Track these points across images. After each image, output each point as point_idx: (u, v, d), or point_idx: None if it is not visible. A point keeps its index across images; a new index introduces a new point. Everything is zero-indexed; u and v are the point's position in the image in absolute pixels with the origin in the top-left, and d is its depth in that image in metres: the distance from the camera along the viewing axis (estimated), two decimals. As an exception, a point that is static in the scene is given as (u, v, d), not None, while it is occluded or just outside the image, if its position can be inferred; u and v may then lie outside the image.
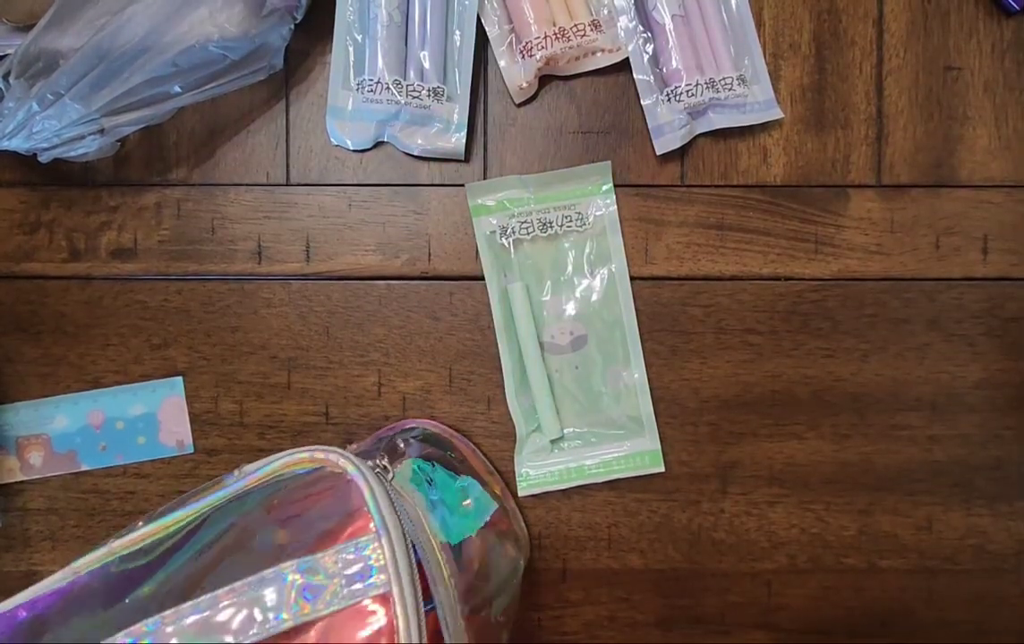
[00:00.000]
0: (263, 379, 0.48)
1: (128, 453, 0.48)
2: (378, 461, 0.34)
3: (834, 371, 0.48)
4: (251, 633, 0.27)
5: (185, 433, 0.48)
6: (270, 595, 0.28)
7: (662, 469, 0.48)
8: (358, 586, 0.28)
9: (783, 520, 0.49)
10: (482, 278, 0.48)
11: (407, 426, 0.46)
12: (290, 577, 0.28)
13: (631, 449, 0.48)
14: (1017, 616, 0.49)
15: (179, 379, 0.48)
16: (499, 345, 0.47)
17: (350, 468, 0.31)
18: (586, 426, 0.48)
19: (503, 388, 0.48)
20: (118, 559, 0.30)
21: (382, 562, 0.28)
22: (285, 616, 0.27)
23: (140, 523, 0.31)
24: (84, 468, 0.48)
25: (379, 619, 0.28)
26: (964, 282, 0.48)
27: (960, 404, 0.48)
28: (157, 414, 0.48)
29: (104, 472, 0.48)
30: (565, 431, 0.48)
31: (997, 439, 0.49)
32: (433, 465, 0.40)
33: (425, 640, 0.28)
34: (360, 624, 0.28)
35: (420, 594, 0.29)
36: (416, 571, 0.29)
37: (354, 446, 0.44)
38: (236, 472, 0.33)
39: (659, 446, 0.48)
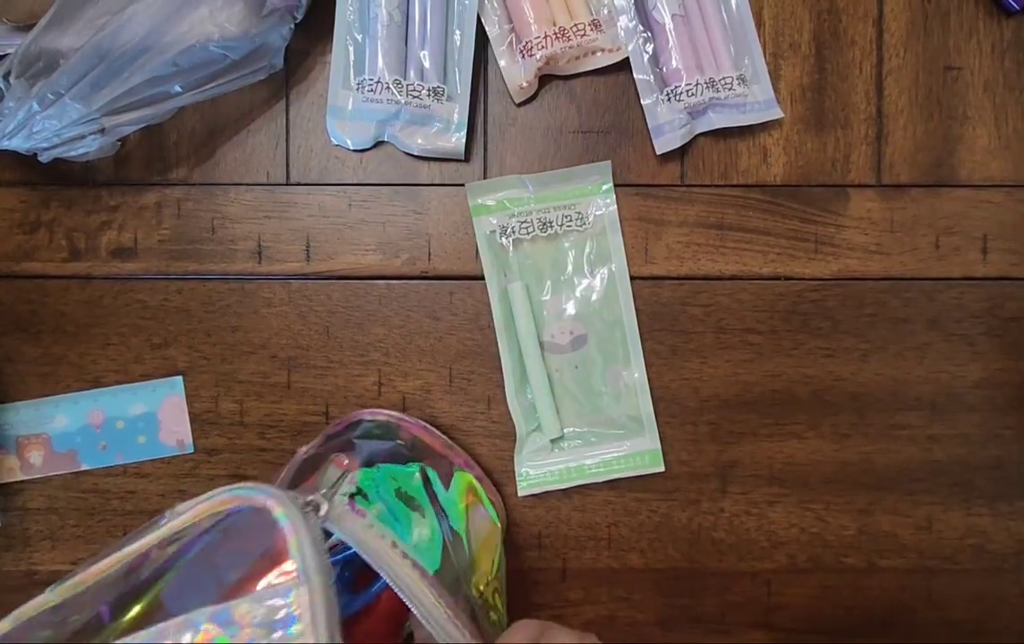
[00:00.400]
0: (263, 379, 0.48)
1: (128, 453, 0.48)
2: (309, 499, 0.32)
3: (834, 371, 0.48)
4: None
5: (185, 433, 0.48)
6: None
7: (662, 469, 0.48)
8: (278, 635, 0.26)
9: (783, 520, 0.49)
10: (482, 278, 0.48)
11: (354, 420, 0.46)
12: (203, 626, 0.26)
13: (631, 449, 0.48)
14: (1017, 616, 0.49)
15: (179, 379, 0.48)
16: (499, 345, 0.47)
17: (277, 510, 0.29)
18: (586, 426, 0.48)
19: (503, 388, 0.48)
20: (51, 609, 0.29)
21: (302, 610, 0.26)
22: None
23: (79, 568, 0.30)
24: (84, 468, 0.48)
25: None
26: (964, 282, 0.48)
27: (960, 404, 0.48)
28: (157, 414, 0.48)
29: (104, 472, 0.48)
30: (565, 431, 0.48)
31: (997, 439, 0.49)
32: (378, 467, 0.38)
33: None
34: None
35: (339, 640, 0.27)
36: (336, 618, 0.27)
37: (304, 449, 0.44)
38: (168, 513, 0.31)
39: (659, 446, 0.48)
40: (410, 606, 0.32)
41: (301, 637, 0.26)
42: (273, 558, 0.28)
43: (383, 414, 0.46)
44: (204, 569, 0.29)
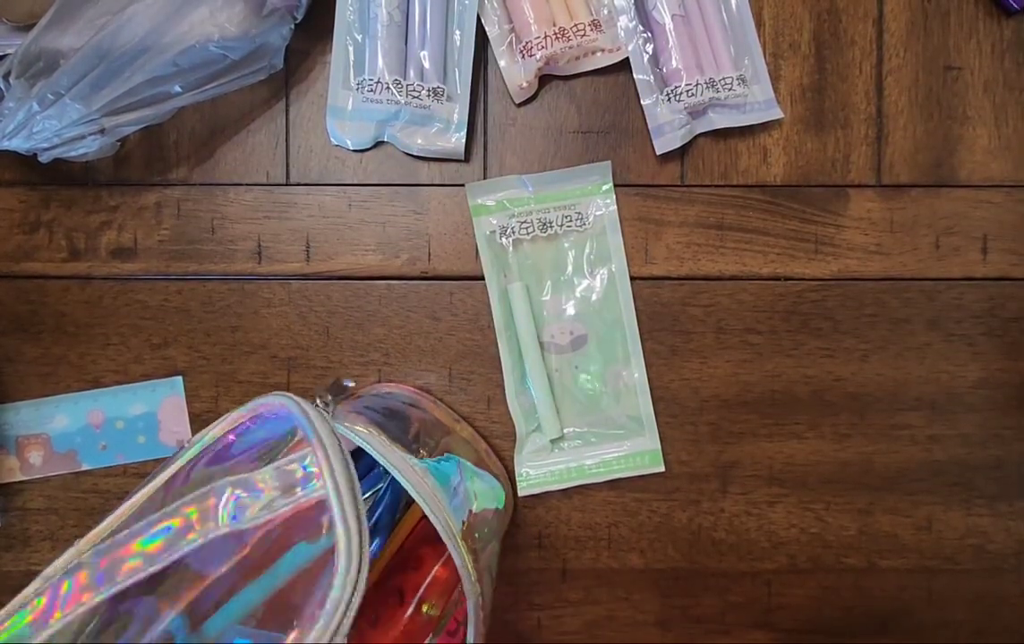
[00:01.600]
0: (263, 379, 0.48)
1: (128, 453, 0.48)
2: (319, 399, 0.34)
3: (834, 371, 0.48)
4: (189, 538, 0.28)
5: (185, 432, 0.48)
6: (211, 501, 0.28)
7: (662, 469, 0.48)
8: (299, 492, 0.28)
9: (783, 520, 0.49)
10: (482, 278, 0.48)
11: (376, 391, 0.46)
12: (227, 491, 0.28)
13: (631, 449, 0.48)
14: (1017, 616, 0.49)
15: (179, 379, 0.48)
16: (499, 345, 0.47)
17: (287, 402, 0.31)
18: (586, 426, 0.48)
19: (503, 388, 0.48)
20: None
21: (319, 469, 0.29)
22: (224, 520, 0.28)
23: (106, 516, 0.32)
24: (84, 468, 0.48)
25: (317, 522, 0.28)
26: (964, 282, 0.48)
27: (960, 404, 0.48)
28: (157, 414, 0.48)
29: (104, 472, 0.48)
30: (565, 431, 0.48)
31: (997, 439, 0.49)
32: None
33: (366, 547, 0.28)
34: (298, 527, 0.28)
35: (360, 501, 0.29)
36: (353, 475, 0.29)
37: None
38: (185, 441, 0.33)
39: (659, 446, 0.48)
40: (413, 494, 0.33)
41: (319, 492, 0.28)
42: (285, 435, 0.30)
43: (398, 387, 0.47)
44: (224, 466, 0.31)
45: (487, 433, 0.48)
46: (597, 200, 0.48)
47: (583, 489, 0.48)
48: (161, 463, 0.33)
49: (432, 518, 0.33)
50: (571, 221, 0.48)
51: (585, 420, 0.48)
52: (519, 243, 0.48)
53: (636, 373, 0.48)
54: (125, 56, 0.40)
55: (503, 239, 0.48)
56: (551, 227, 0.48)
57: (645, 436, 0.48)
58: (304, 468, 0.29)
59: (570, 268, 0.48)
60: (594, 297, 0.48)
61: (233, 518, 0.28)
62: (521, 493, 0.48)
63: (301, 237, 0.48)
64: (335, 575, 0.27)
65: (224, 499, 0.28)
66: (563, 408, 0.48)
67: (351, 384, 0.40)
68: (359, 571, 0.27)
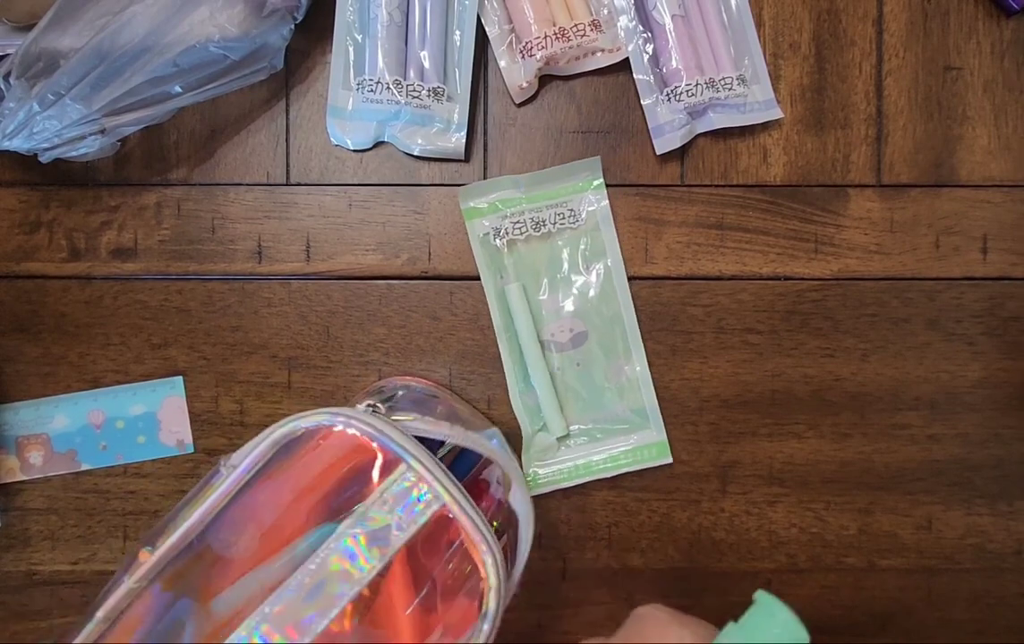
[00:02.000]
0: (263, 379, 0.48)
1: (128, 453, 0.48)
2: (368, 404, 0.36)
3: (834, 371, 0.48)
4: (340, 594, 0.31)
5: (185, 432, 0.48)
6: (339, 561, 0.31)
7: (670, 460, 0.48)
8: (418, 507, 0.32)
9: (783, 520, 0.49)
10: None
11: (391, 384, 0.47)
12: (349, 537, 0.32)
13: (638, 442, 0.48)
14: (1017, 616, 0.49)
15: (179, 379, 0.48)
16: (499, 346, 0.47)
17: (346, 427, 0.34)
18: (591, 422, 0.48)
19: (504, 388, 0.48)
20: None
21: (421, 485, 0.32)
22: (364, 566, 0.31)
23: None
24: (84, 468, 0.48)
25: (449, 526, 0.32)
26: (964, 282, 0.48)
27: (960, 404, 0.48)
28: (157, 414, 0.48)
29: (104, 472, 0.48)
30: (571, 428, 0.48)
31: (997, 439, 0.49)
32: None
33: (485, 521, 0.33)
34: (437, 538, 0.32)
35: (463, 491, 0.33)
36: (447, 471, 0.33)
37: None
38: (223, 467, 0.34)
39: (665, 437, 0.48)
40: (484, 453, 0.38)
41: (434, 503, 0.32)
42: (365, 467, 0.33)
43: (416, 380, 0.48)
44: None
45: (487, 433, 0.48)
46: (589, 196, 0.48)
47: (583, 489, 0.48)
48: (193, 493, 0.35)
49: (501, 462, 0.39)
50: (564, 219, 0.48)
51: (590, 416, 0.48)
52: (513, 244, 0.48)
53: (638, 367, 0.48)
54: (125, 56, 0.40)
55: (497, 241, 0.48)
56: (544, 226, 0.48)
57: (651, 429, 0.48)
58: (404, 488, 0.32)
59: (566, 265, 0.48)
60: (591, 293, 0.48)
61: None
62: (530, 493, 0.48)
63: (301, 237, 0.48)
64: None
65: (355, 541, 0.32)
66: (567, 406, 0.48)
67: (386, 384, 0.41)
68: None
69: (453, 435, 0.36)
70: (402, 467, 0.33)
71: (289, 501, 0.33)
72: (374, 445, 0.33)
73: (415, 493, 0.32)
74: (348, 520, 0.32)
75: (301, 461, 0.33)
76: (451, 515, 0.33)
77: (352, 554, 0.32)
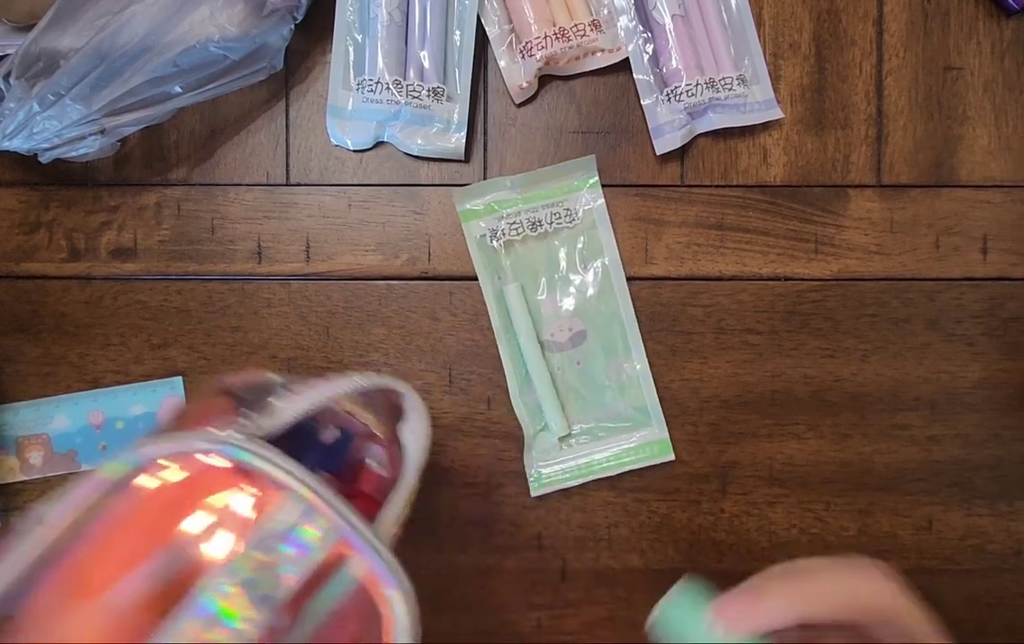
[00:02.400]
0: (263, 379, 0.48)
1: (128, 453, 0.48)
2: (242, 420, 0.29)
3: (834, 371, 0.48)
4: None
5: (185, 433, 0.48)
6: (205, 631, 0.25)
7: (672, 457, 0.48)
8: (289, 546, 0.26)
9: (783, 520, 0.49)
10: (482, 278, 0.48)
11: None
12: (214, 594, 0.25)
13: (640, 440, 0.48)
14: (1017, 616, 0.49)
15: (179, 379, 0.48)
16: (499, 347, 0.47)
17: (213, 461, 0.27)
18: (593, 421, 0.48)
19: (503, 388, 0.48)
20: None
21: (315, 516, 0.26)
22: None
23: None
24: (84, 468, 0.48)
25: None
26: (964, 282, 0.48)
27: (960, 404, 0.48)
28: (157, 414, 0.48)
29: (104, 472, 0.48)
30: (572, 428, 0.48)
31: (997, 439, 0.49)
32: None
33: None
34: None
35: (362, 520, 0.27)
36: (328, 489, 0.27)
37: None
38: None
39: (667, 434, 0.48)
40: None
41: (315, 543, 0.26)
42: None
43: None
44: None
45: (488, 433, 0.48)
46: (584, 195, 0.48)
47: (583, 489, 0.48)
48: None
49: None
50: (560, 218, 0.48)
51: (591, 415, 0.48)
52: (510, 244, 0.48)
53: (638, 365, 0.48)
54: (125, 56, 0.40)
55: (494, 242, 0.48)
56: (541, 226, 0.48)
57: (652, 426, 0.48)
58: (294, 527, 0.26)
59: (563, 265, 0.48)
60: (590, 292, 0.48)
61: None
62: (534, 494, 0.48)
63: (301, 237, 0.48)
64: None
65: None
66: (568, 405, 0.48)
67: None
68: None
69: (329, 388, 0.30)
70: (285, 496, 0.26)
71: (123, 559, 0.25)
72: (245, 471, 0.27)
73: (305, 528, 0.26)
74: (211, 572, 0.25)
75: (135, 508, 0.26)
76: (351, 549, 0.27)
77: (221, 616, 0.24)
